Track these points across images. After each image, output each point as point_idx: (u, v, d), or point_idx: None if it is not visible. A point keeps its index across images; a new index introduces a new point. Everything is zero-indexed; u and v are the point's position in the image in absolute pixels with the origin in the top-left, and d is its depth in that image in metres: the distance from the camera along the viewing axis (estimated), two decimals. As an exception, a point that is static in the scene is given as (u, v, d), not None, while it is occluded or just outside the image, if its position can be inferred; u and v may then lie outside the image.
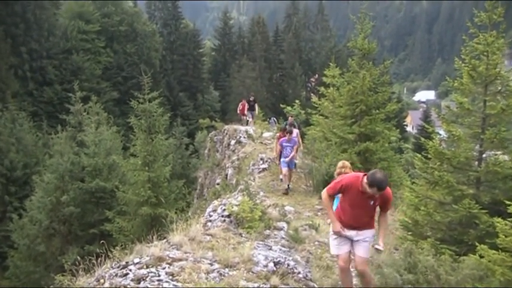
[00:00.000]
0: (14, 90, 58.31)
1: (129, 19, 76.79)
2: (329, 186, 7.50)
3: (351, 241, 7.39)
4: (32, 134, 43.70)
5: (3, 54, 59.21)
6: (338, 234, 7.32)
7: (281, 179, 18.35)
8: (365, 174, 6.98)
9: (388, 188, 7.01)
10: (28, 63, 63.59)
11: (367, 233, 7.38)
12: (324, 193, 7.48)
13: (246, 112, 33.17)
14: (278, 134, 19.59)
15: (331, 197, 7.45)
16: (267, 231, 10.57)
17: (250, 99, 33.39)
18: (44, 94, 63.52)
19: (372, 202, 7.05)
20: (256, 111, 34.22)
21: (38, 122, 52.96)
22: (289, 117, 23.62)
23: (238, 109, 36.01)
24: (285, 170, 17.54)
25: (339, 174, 10.05)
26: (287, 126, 19.58)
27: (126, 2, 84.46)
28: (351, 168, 10.71)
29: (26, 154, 40.28)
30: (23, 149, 40.45)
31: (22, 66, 62.69)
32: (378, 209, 7.36)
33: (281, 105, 38.87)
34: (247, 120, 34.61)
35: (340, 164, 10.86)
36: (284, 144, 17.64)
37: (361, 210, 7.15)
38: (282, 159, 17.67)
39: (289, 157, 17.44)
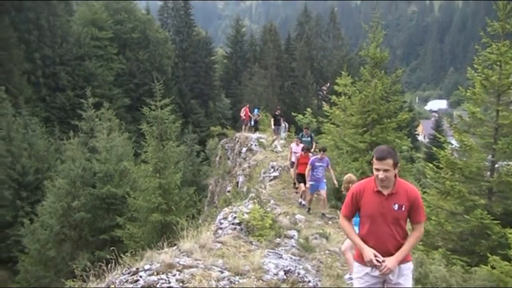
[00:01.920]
0: (27, 96, 58.83)
1: (141, 26, 77.25)
2: (343, 206, 5.79)
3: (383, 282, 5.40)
4: (44, 140, 43.99)
5: (16, 61, 59.70)
6: (371, 263, 5.21)
7: (301, 203, 16.64)
8: None
9: (411, 185, 5.44)
10: (41, 69, 64.11)
11: (403, 268, 5.37)
12: (340, 217, 5.74)
13: (273, 127, 30.58)
14: (301, 154, 17.32)
15: (349, 218, 5.59)
16: (278, 240, 10.54)
17: (276, 113, 29.89)
18: (56, 100, 63.95)
19: (395, 206, 5.22)
20: (283, 126, 30.95)
21: (50, 127, 53.36)
22: (304, 129, 21.84)
23: (241, 114, 35.28)
24: (310, 196, 15.75)
25: (347, 189, 9.47)
26: (306, 142, 19.42)
27: (139, 9, 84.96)
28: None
29: (38, 159, 40.53)
30: (35, 154, 40.71)
31: (35, 72, 63.20)
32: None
33: (292, 114, 38.88)
34: (252, 127, 34.29)
35: (346, 178, 10.05)
36: (317, 164, 15.40)
37: (384, 222, 5.25)
38: (311, 182, 15.54)
39: (321, 181, 15.49)
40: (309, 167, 15.50)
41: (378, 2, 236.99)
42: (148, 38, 77.25)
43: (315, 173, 15.35)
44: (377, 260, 5.14)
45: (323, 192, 15.61)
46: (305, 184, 16.39)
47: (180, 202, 22.86)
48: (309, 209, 15.91)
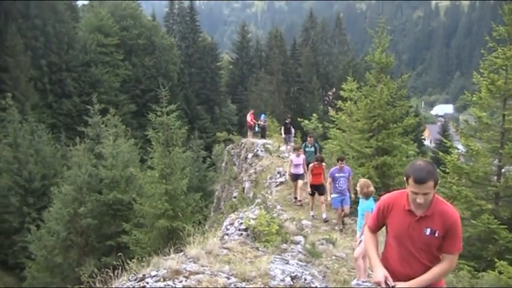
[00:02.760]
0: (34, 103, 59.13)
1: (147, 32, 77.55)
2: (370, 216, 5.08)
3: None
4: (51, 146, 44.13)
5: (23, 67, 60.01)
6: (378, 286, 4.47)
7: (333, 220, 15.41)
8: None
9: (451, 206, 4.43)
10: (47, 76, 64.43)
11: None
12: (365, 229, 5.07)
13: (283, 135, 30.08)
14: (313, 164, 16.44)
15: (373, 230, 4.86)
16: (284, 245, 10.52)
17: (287, 121, 29.20)
18: (62, 106, 64.23)
19: (427, 231, 4.35)
20: (293, 134, 30.34)
21: (56, 133, 53.62)
22: (308, 138, 20.60)
23: (248, 119, 34.91)
24: (339, 209, 14.53)
25: (362, 193, 9.32)
26: (309, 153, 19.11)
27: (144, 15, 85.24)
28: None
29: (44, 166, 40.64)
30: (42, 160, 40.83)
31: (42, 79, 63.53)
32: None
33: (298, 119, 38.81)
34: (257, 133, 34.20)
35: (362, 181, 9.54)
36: (336, 175, 14.37)
37: (412, 246, 4.45)
38: (333, 195, 14.43)
39: (345, 193, 14.42)
40: (329, 179, 14.59)
41: (384, 7, 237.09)
42: (154, 44, 77.57)
43: (337, 185, 14.38)
44: (386, 283, 4.40)
45: (346, 208, 14.57)
46: (319, 194, 16.04)
47: (186, 208, 22.85)
48: (338, 224, 14.98)
